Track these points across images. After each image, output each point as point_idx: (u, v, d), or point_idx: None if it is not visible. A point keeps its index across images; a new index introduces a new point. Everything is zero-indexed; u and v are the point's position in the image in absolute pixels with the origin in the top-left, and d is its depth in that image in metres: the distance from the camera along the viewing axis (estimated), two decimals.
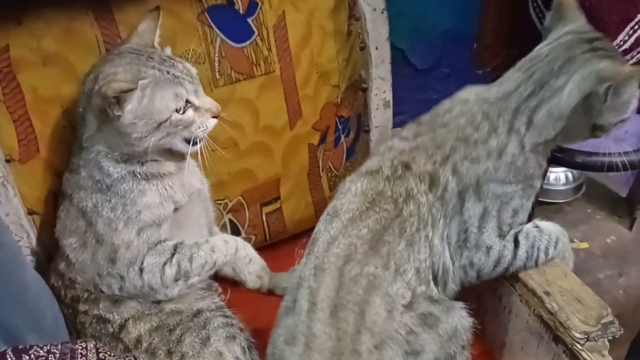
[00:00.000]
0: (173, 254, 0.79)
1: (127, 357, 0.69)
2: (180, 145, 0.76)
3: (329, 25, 0.93)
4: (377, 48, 0.97)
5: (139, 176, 0.76)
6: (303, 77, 0.93)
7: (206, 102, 0.76)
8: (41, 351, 0.59)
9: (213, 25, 0.84)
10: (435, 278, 0.73)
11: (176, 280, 0.80)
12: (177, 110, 0.72)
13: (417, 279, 0.70)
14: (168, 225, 0.79)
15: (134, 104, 0.69)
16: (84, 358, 0.61)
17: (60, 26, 0.75)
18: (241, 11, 0.85)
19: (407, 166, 0.73)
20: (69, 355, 0.60)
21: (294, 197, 1.00)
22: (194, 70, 0.76)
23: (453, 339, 0.70)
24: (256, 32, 0.87)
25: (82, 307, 0.78)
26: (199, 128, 0.75)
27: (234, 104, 0.87)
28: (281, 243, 1.03)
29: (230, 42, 0.85)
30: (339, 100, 0.99)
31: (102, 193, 0.75)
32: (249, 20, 0.86)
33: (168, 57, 0.74)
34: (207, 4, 0.82)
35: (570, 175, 1.06)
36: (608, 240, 1.04)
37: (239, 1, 0.84)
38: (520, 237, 0.75)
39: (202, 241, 0.84)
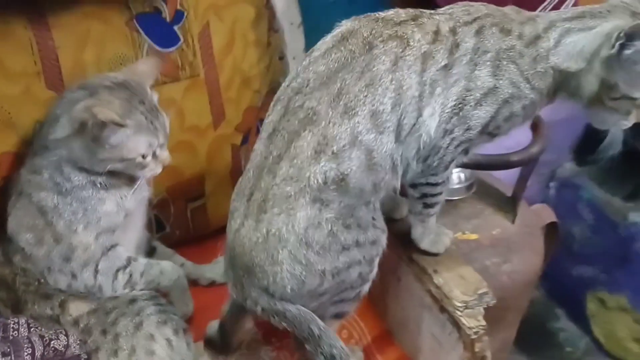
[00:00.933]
0: (127, 265, 0.85)
1: (57, 329, 0.73)
2: (134, 173, 0.83)
3: (250, 35, 1.01)
4: (294, 58, 1.07)
5: (99, 185, 0.81)
6: (226, 81, 1.00)
7: (165, 155, 0.84)
8: None
9: (141, 32, 0.90)
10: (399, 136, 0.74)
11: (124, 287, 0.85)
12: (142, 156, 0.80)
13: (370, 125, 0.72)
14: (118, 230, 0.85)
15: (115, 137, 0.76)
16: (15, 332, 0.65)
17: None
18: (168, 19, 0.92)
19: (415, 17, 0.75)
20: (1, 329, 0.64)
21: (218, 194, 1.07)
22: (168, 125, 0.84)
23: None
24: (182, 39, 0.93)
25: (31, 292, 0.81)
26: (149, 172, 0.83)
27: (160, 104, 0.91)
28: (204, 237, 1.09)
29: (157, 47, 0.92)
30: (260, 104, 1.07)
31: (63, 196, 0.79)
32: (176, 27, 0.93)
33: (155, 108, 0.82)
34: (135, 12, 0.88)
35: (462, 175, 1.18)
36: (494, 232, 1.13)
37: (166, 10, 0.91)
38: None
39: (154, 262, 0.90)
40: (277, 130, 0.74)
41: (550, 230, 1.73)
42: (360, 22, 0.76)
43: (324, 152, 0.71)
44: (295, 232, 0.72)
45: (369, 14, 0.77)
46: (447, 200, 0.95)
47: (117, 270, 0.84)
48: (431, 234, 0.88)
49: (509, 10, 0.78)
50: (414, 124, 0.74)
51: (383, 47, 0.73)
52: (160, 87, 0.93)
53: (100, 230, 0.81)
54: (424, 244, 0.88)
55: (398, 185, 0.79)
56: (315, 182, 0.71)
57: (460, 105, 0.75)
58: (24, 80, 0.83)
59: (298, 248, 0.73)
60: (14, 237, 0.81)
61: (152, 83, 0.85)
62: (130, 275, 0.85)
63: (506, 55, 0.75)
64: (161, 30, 0.91)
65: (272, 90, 1.10)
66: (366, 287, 0.82)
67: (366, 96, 0.72)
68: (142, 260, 0.88)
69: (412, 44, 0.73)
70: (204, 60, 0.97)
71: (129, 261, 0.85)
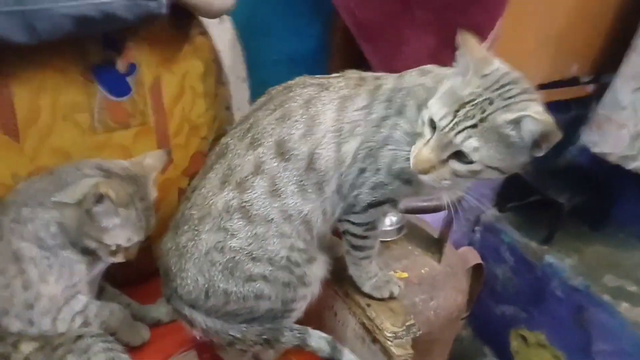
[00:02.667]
0: (84, 309, 0.89)
1: None
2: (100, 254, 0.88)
3: (199, 87, 1.08)
4: (239, 109, 1.14)
5: (78, 250, 0.86)
6: (175, 128, 1.06)
7: (133, 252, 0.90)
8: None
9: (95, 81, 0.94)
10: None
11: (78, 327, 0.88)
12: (117, 245, 0.86)
13: (274, 153, 0.79)
14: None
15: (105, 209, 0.82)
16: None
17: None
18: (121, 71, 0.97)
19: (345, 74, 0.85)
20: None
21: (163, 235, 1.10)
22: (153, 225, 0.90)
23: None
24: (134, 89, 0.98)
25: None
26: (113, 259, 0.89)
27: (110, 149, 0.98)
28: (148, 277, 1.12)
29: (110, 96, 0.96)
30: (207, 150, 1.12)
31: (43, 249, 0.83)
32: (128, 79, 0.98)
33: (151, 208, 0.89)
34: (91, 63, 0.93)
35: (393, 219, 1.27)
36: (422, 271, 1.21)
37: (120, 62, 0.97)
38: None
39: (105, 303, 0.93)
40: (203, 166, 0.85)
41: (476, 271, 1.86)
42: (298, 78, 0.85)
43: (229, 182, 0.80)
44: (199, 250, 0.81)
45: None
46: (380, 242, 1.02)
47: (75, 315, 0.87)
48: (372, 278, 0.94)
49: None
50: (336, 158, 0.80)
51: (300, 90, 0.82)
52: (111, 134, 0.98)
53: (69, 284, 0.86)
54: (366, 288, 0.95)
55: (313, 217, 0.83)
56: (217, 209, 0.79)
57: (371, 145, 0.81)
58: None
59: (203, 262, 0.81)
60: None
61: (155, 175, 0.92)
62: (86, 318, 0.88)
63: (413, 91, 0.79)
64: (114, 81, 0.96)
65: (219, 137, 1.17)
66: (287, 322, 0.88)
67: (273, 128, 0.79)
68: (96, 303, 0.91)
69: (330, 88, 0.82)
70: (154, 109, 1.02)
71: (86, 305, 0.89)
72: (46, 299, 0.85)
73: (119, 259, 0.89)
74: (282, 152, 0.79)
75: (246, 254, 0.81)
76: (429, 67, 0.84)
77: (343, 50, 1.28)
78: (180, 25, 1.03)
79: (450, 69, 0.75)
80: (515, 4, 1.18)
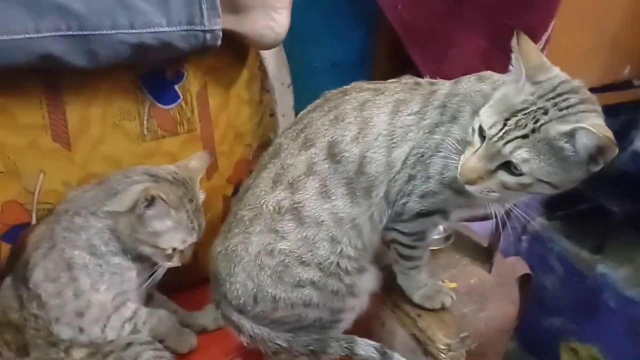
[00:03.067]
0: (133, 316, 0.89)
1: None
2: (156, 260, 0.90)
3: (244, 95, 1.08)
4: (283, 115, 1.14)
5: (129, 256, 0.87)
6: (220, 136, 1.06)
7: (188, 254, 0.91)
8: None
9: (144, 89, 0.95)
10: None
11: (128, 335, 0.89)
12: (172, 249, 0.87)
13: (325, 154, 0.79)
14: None
15: (157, 212, 0.83)
16: None
17: (9, 83, 0.83)
18: (170, 78, 0.98)
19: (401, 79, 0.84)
20: None
21: (209, 242, 1.10)
22: (204, 227, 0.91)
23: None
24: (181, 97, 0.99)
25: (40, 338, 0.84)
26: (170, 263, 0.90)
27: (159, 157, 0.98)
28: (195, 284, 1.12)
29: (158, 104, 0.97)
30: (251, 158, 1.13)
31: (95, 257, 0.85)
32: (176, 86, 0.99)
33: (199, 209, 0.90)
34: (141, 71, 0.94)
35: (441, 227, 1.24)
36: (471, 281, 1.17)
37: (169, 70, 0.97)
38: None
39: (153, 310, 0.94)
40: (257, 166, 0.85)
41: (524, 282, 1.80)
42: (354, 83, 0.85)
43: (281, 182, 0.79)
44: (249, 253, 0.80)
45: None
46: None
47: (124, 322, 0.88)
48: (422, 288, 0.93)
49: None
50: (386, 163, 0.79)
51: (356, 94, 0.81)
52: (159, 141, 0.98)
53: (119, 292, 0.87)
54: (416, 298, 0.93)
55: (363, 224, 0.81)
56: (268, 210, 0.79)
57: (422, 151, 0.79)
58: (31, 133, 0.87)
59: (252, 267, 0.80)
60: (35, 285, 0.84)
61: (201, 176, 0.94)
62: (135, 325, 0.89)
63: (469, 97, 0.77)
64: (163, 89, 0.97)
65: (263, 144, 1.17)
66: (334, 332, 0.86)
67: (327, 129, 0.78)
68: (145, 310, 0.92)
69: (386, 92, 0.80)
70: (201, 117, 1.02)
71: (135, 312, 0.90)
72: (96, 307, 0.86)
73: (175, 262, 0.89)
74: (334, 153, 0.79)
75: (296, 257, 0.80)
76: (487, 73, 0.81)
77: (388, 55, 1.26)
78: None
79: (510, 76, 0.72)
80: (568, 4, 1.14)
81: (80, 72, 0.86)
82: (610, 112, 1.72)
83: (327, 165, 0.79)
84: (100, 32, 0.81)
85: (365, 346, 0.85)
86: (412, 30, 1.08)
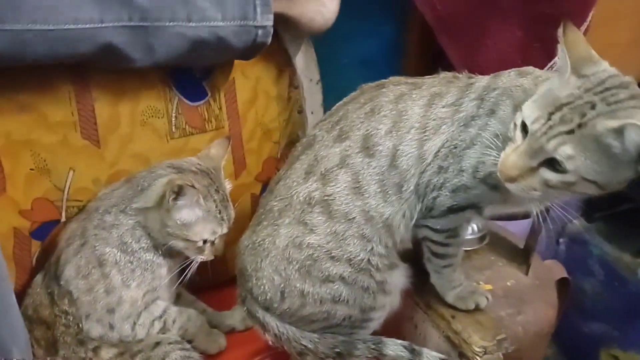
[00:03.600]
0: (162, 314, 0.90)
1: None
2: (188, 254, 0.89)
3: (272, 91, 1.07)
4: (312, 112, 1.12)
5: (160, 252, 0.87)
6: (248, 133, 1.05)
7: (221, 247, 0.91)
8: None
9: (172, 86, 0.95)
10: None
11: (157, 333, 0.89)
12: (204, 241, 0.86)
13: (359, 147, 0.77)
14: None
15: (186, 202, 0.82)
16: None
17: (38, 80, 0.84)
18: (197, 75, 0.97)
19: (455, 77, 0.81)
20: None
21: (237, 242, 1.09)
22: (233, 217, 0.91)
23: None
24: (209, 94, 0.99)
25: (70, 335, 0.85)
26: (202, 257, 0.89)
27: (186, 154, 0.97)
28: (224, 284, 1.11)
29: (186, 101, 0.97)
30: (279, 155, 1.12)
31: (127, 254, 0.85)
32: (204, 83, 0.99)
33: (227, 198, 0.90)
34: (168, 68, 0.94)
35: (475, 227, 1.20)
36: (508, 283, 1.13)
37: (196, 67, 0.97)
38: None
39: (183, 309, 0.94)
40: (289, 158, 0.84)
41: (562, 286, 1.74)
42: (392, 77, 0.84)
43: (313, 173, 0.78)
44: (277, 246, 0.78)
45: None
46: None
47: (154, 320, 0.88)
48: (456, 288, 0.90)
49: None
50: (418, 156, 0.77)
51: (393, 87, 0.80)
52: (188, 139, 0.98)
53: (149, 289, 0.87)
54: (449, 298, 0.90)
55: (394, 222, 0.79)
56: (298, 201, 0.77)
57: (455, 143, 0.76)
58: (61, 130, 0.87)
59: (280, 260, 0.79)
60: (67, 282, 0.85)
61: (224, 161, 0.94)
62: (165, 323, 0.89)
63: (509, 92, 0.74)
64: (191, 86, 0.97)
65: (291, 142, 1.15)
66: (364, 333, 0.84)
67: (362, 122, 0.77)
68: (174, 308, 0.92)
69: (423, 87, 0.79)
70: (229, 114, 1.02)
71: (165, 310, 0.89)
72: (127, 304, 0.86)
73: (208, 255, 0.89)
74: (367, 146, 0.77)
75: (325, 252, 0.78)
76: (529, 68, 0.78)
77: (418, 52, 1.24)
78: None
79: (553, 73, 0.69)
80: (602, 6, 1.09)
81: (109, 69, 0.86)
82: None
83: (360, 159, 0.77)
84: (160, 23, 0.83)
85: (393, 346, 0.83)
86: (446, 21, 1.05)
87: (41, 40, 0.75)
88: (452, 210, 0.79)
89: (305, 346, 0.82)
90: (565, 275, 1.74)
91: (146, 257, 0.87)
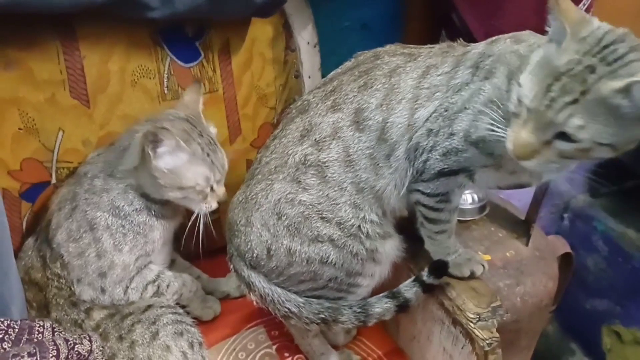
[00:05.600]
0: (156, 279, 0.89)
1: (80, 334, 0.73)
2: (191, 206, 0.88)
3: (268, 54, 1.05)
4: (309, 77, 1.10)
5: (153, 213, 0.86)
6: (243, 98, 1.03)
7: (222, 191, 0.89)
8: (2, 325, 0.64)
9: (164, 46, 0.93)
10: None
11: (151, 297, 0.89)
12: (199, 185, 0.85)
13: (350, 121, 0.76)
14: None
15: (167, 148, 0.80)
16: (40, 334, 0.65)
17: (24, 35, 0.82)
18: (190, 34, 0.95)
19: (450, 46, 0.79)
20: (27, 330, 0.64)
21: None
22: (226, 163, 0.90)
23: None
24: (202, 55, 0.97)
25: (62, 297, 0.84)
26: (206, 206, 0.88)
27: None
28: (218, 251, 1.10)
29: (179, 62, 0.95)
30: (275, 121, 1.10)
31: (119, 218, 0.84)
32: (197, 43, 0.96)
33: (213, 142, 0.88)
34: (160, 25, 0.91)
35: (475, 196, 1.18)
36: (507, 254, 1.12)
37: (189, 25, 0.94)
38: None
39: (177, 274, 0.94)
40: (283, 119, 0.84)
41: (565, 261, 1.72)
42: (389, 46, 0.82)
43: (308, 137, 0.78)
44: (269, 200, 0.78)
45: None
46: (459, 221, 0.94)
47: (147, 284, 0.88)
48: (452, 254, 0.88)
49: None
50: (407, 125, 0.76)
51: (388, 58, 0.78)
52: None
53: (142, 253, 0.87)
54: None
55: (385, 193, 0.79)
56: (294, 160, 0.77)
57: (446, 106, 0.75)
58: (49, 88, 0.85)
59: (270, 215, 0.78)
60: (58, 245, 0.84)
61: (200, 105, 0.91)
62: (158, 287, 0.89)
63: (504, 58, 0.72)
64: (183, 45, 0.95)
65: (288, 107, 1.13)
66: (351, 298, 0.83)
67: (355, 95, 0.77)
68: (168, 273, 0.91)
69: (419, 58, 0.77)
70: (223, 76, 1.00)
71: (158, 275, 0.89)
72: (119, 268, 0.85)
73: (213, 204, 0.88)
74: (358, 121, 0.76)
75: (316, 211, 0.77)
76: (524, 33, 0.76)
77: (421, 14, 1.20)
78: None
79: (546, 38, 0.66)
80: None
81: (97, 24, 0.84)
82: None
83: (351, 133, 0.77)
84: None
85: (377, 302, 0.82)
86: None
87: None
88: (443, 173, 0.77)
89: (289, 309, 0.82)
90: (568, 250, 1.72)
91: (139, 219, 0.86)
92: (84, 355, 0.64)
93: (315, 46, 1.09)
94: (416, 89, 0.76)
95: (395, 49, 0.82)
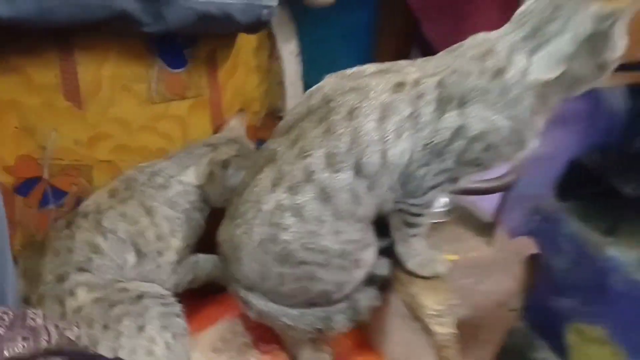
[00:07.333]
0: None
1: (69, 322, 0.78)
2: None
3: (252, 62, 1.11)
4: (291, 84, 1.16)
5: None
6: (228, 102, 1.09)
7: None
8: None
9: (154, 53, 0.98)
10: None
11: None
12: None
13: (324, 164, 0.78)
14: None
15: (234, 172, 0.97)
16: (32, 321, 0.69)
17: (25, 43, 0.87)
18: (180, 42, 1.00)
19: (382, 70, 0.82)
20: (20, 317, 0.68)
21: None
22: None
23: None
24: (190, 62, 1.02)
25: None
26: None
27: (167, 120, 1.02)
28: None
29: (167, 68, 1.00)
30: (259, 125, 1.16)
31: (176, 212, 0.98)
32: (185, 51, 1.01)
33: None
34: (152, 34, 0.96)
35: (443, 200, 1.24)
36: (473, 255, 1.18)
37: (179, 34, 0.99)
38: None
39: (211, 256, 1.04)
40: (254, 163, 0.87)
41: (533, 262, 1.80)
42: (329, 79, 0.85)
43: (280, 185, 0.80)
44: (253, 241, 0.83)
45: (341, 71, 0.85)
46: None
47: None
48: (418, 255, 0.93)
49: (469, 43, 0.81)
50: (382, 163, 0.79)
51: (341, 99, 0.80)
52: (168, 104, 1.02)
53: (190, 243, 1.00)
54: (410, 265, 0.93)
55: (367, 213, 0.83)
56: (268, 207, 0.81)
57: (429, 145, 0.79)
58: (45, 92, 0.91)
59: (255, 252, 0.83)
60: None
61: (244, 131, 1.09)
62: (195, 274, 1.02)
63: (470, 97, 0.76)
64: (172, 53, 1.00)
65: (270, 112, 1.20)
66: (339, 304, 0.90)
67: (321, 141, 0.78)
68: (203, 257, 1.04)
69: (370, 94, 0.79)
70: (209, 82, 1.05)
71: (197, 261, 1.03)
72: (172, 252, 0.96)
73: None
74: (332, 163, 0.78)
75: (299, 245, 0.81)
76: (454, 46, 0.83)
77: (392, 30, 1.26)
78: None
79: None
80: None
81: (92, 34, 0.90)
82: (635, 93, 1.68)
83: (326, 174, 0.78)
84: None
85: (362, 295, 0.90)
86: (425, 4, 1.09)
87: (65, 7, 0.82)
88: (434, 187, 0.82)
89: (285, 323, 0.88)
90: (536, 251, 1.80)
91: (192, 216, 1.00)
92: (73, 340, 0.69)
93: (297, 56, 1.15)
94: (380, 131, 0.78)
95: (342, 86, 0.81)
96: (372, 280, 0.91)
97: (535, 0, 0.76)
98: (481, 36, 0.80)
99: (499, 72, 0.75)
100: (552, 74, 0.74)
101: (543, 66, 0.74)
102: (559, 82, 0.75)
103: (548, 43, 0.73)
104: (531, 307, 1.92)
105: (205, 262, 1.02)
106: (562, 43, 0.73)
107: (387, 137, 0.78)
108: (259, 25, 1.00)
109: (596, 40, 0.71)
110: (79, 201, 0.98)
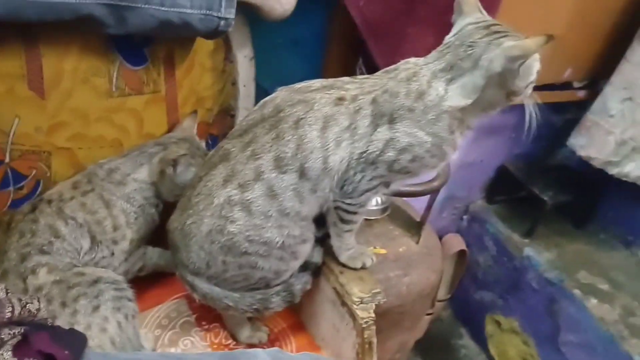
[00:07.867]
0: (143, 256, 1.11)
1: (30, 295, 0.84)
2: None
3: (207, 63, 1.17)
4: (244, 85, 1.23)
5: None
6: (183, 99, 1.15)
7: None
8: None
9: (115, 50, 1.04)
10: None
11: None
12: None
13: (272, 166, 0.86)
14: None
15: (185, 173, 1.05)
16: None
17: None
18: (139, 42, 1.06)
19: (326, 86, 0.89)
20: None
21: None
22: None
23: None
24: (149, 60, 1.08)
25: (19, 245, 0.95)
26: None
27: (124, 112, 1.08)
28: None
29: (127, 65, 1.06)
30: (211, 121, 1.23)
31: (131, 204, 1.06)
32: (145, 50, 1.07)
33: (205, 154, 1.09)
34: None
35: (379, 199, 1.35)
36: (400, 250, 1.30)
37: (139, 34, 1.05)
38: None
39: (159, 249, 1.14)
40: (208, 159, 0.96)
41: (461, 257, 1.96)
42: (281, 92, 0.93)
43: (231, 182, 0.89)
44: (201, 231, 0.92)
45: (291, 85, 0.94)
46: (364, 219, 1.10)
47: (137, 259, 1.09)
48: (349, 250, 1.03)
49: (402, 66, 0.89)
50: (324, 168, 0.88)
51: (290, 110, 0.89)
52: (125, 99, 1.08)
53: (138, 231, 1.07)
54: (342, 258, 1.04)
55: (310, 212, 0.93)
56: (219, 201, 0.89)
57: (365, 154, 0.88)
58: (10, 81, 0.95)
59: (203, 241, 0.92)
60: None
61: (195, 130, 1.16)
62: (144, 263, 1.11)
63: (398, 114, 0.85)
64: (132, 51, 1.06)
65: (223, 110, 1.27)
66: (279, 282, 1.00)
67: (271, 146, 0.88)
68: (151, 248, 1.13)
69: (315, 107, 0.88)
70: (166, 80, 1.11)
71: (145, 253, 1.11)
72: (126, 242, 1.03)
73: None
74: (280, 165, 0.87)
75: (243, 237, 0.90)
76: (392, 67, 0.92)
77: (340, 40, 1.36)
78: None
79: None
80: (513, 6, 1.24)
81: (57, 29, 0.95)
82: (557, 111, 1.84)
83: (274, 175, 0.87)
84: (135, 4, 0.95)
85: (296, 280, 1.01)
86: (371, 24, 1.18)
87: (33, 8, 0.88)
88: (369, 190, 0.92)
89: (227, 304, 0.98)
90: (464, 247, 1.96)
91: (148, 211, 1.08)
92: (34, 313, 0.74)
93: (251, 59, 1.22)
94: (322, 139, 0.86)
95: (291, 97, 0.90)
96: (306, 266, 1.02)
97: (453, 35, 0.86)
98: (412, 61, 0.90)
99: (421, 95, 0.84)
100: (465, 102, 0.83)
101: (457, 95, 0.83)
102: (473, 107, 0.84)
103: (462, 77, 0.82)
104: (457, 298, 2.09)
105: (152, 252, 1.11)
106: (474, 77, 0.81)
107: (328, 145, 0.87)
108: (216, 34, 1.07)
109: (506, 75, 0.80)
110: (37, 185, 1.04)
